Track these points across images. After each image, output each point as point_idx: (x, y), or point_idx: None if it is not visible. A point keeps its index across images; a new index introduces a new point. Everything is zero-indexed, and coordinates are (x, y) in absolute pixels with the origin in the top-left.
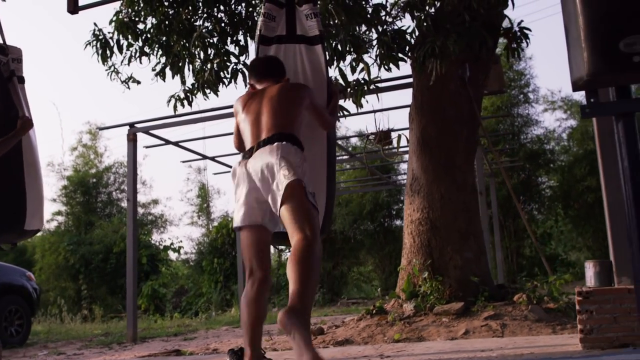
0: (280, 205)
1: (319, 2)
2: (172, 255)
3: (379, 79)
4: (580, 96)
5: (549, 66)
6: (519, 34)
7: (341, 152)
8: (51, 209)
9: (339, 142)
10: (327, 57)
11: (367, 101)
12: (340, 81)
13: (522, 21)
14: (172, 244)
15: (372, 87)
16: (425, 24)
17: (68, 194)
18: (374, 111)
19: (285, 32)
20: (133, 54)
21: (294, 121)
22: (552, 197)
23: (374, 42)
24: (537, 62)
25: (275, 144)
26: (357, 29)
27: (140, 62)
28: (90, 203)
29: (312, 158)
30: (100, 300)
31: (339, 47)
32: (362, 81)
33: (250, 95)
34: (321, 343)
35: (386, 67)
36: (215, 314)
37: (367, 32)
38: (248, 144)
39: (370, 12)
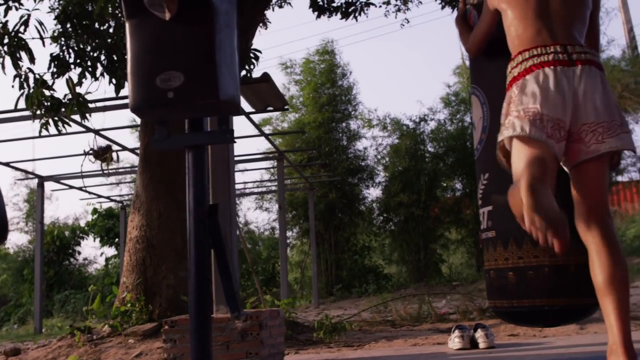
0: None
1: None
2: None
3: (88, 93)
4: (400, 114)
5: (368, 85)
6: (252, 56)
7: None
8: None
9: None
10: None
11: (90, 115)
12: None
13: (250, 44)
14: None
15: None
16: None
17: None
18: (95, 130)
19: None
20: None
21: None
22: (372, 211)
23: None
24: (360, 81)
25: None
26: (87, 40)
27: None
28: None
29: None
30: None
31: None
32: (71, 96)
33: None
34: None
35: (113, 82)
36: (17, 326)
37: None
38: None
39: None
